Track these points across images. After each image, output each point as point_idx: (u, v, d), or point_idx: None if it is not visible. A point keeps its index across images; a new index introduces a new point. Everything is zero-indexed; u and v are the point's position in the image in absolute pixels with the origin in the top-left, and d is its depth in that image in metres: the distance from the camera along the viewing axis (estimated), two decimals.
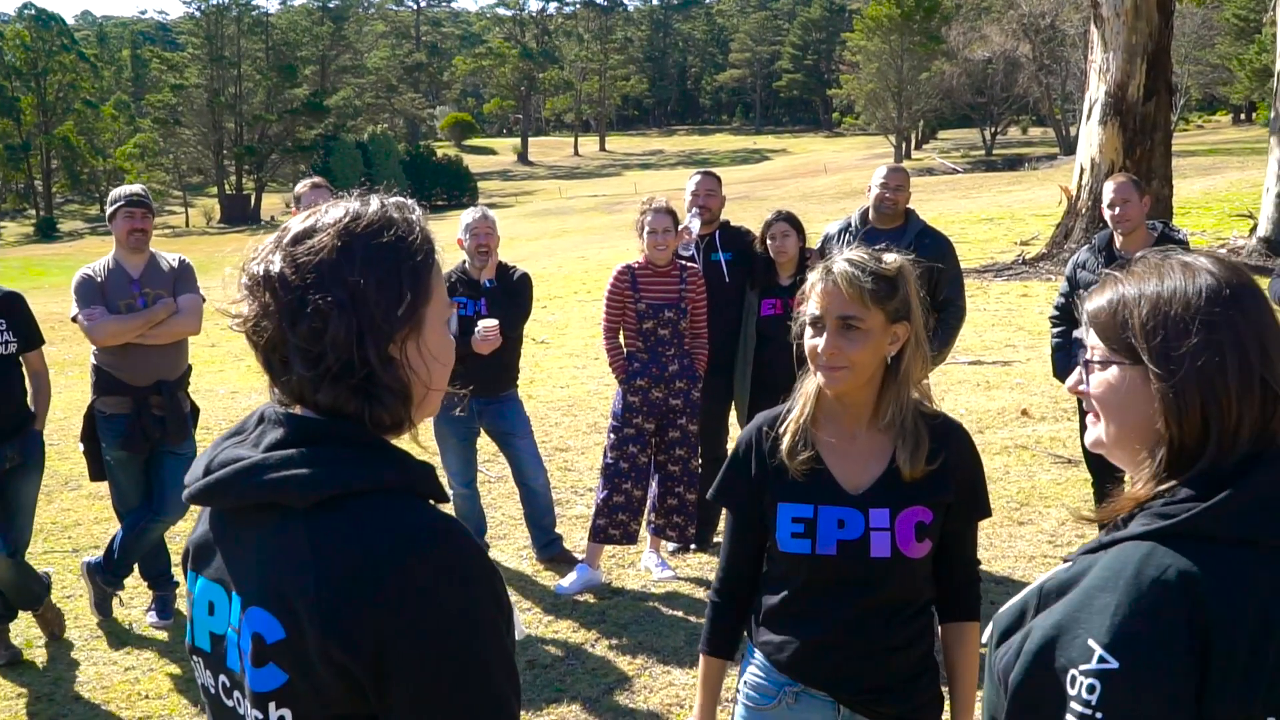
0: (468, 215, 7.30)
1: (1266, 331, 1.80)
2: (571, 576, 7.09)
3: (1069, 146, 60.96)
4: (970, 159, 78.61)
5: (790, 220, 7.22)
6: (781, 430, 2.94)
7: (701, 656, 3.15)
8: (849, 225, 7.22)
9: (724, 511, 3.13)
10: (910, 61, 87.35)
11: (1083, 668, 1.66)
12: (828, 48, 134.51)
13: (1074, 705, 1.66)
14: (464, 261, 7.23)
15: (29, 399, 6.45)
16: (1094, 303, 1.91)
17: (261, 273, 1.73)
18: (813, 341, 2.83)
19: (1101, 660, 1.64)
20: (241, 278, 1.76)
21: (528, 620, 6.63)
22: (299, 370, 1.70)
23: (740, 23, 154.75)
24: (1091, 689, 1.64)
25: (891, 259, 2.86)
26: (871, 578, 2.87)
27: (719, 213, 7.62)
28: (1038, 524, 7.80)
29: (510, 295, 7.17)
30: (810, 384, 2.92)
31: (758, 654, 3.03)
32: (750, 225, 7.79)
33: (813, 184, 60.93)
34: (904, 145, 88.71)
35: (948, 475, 2.90)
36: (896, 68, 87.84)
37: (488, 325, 6.85)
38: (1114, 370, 1.85)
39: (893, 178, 7.12)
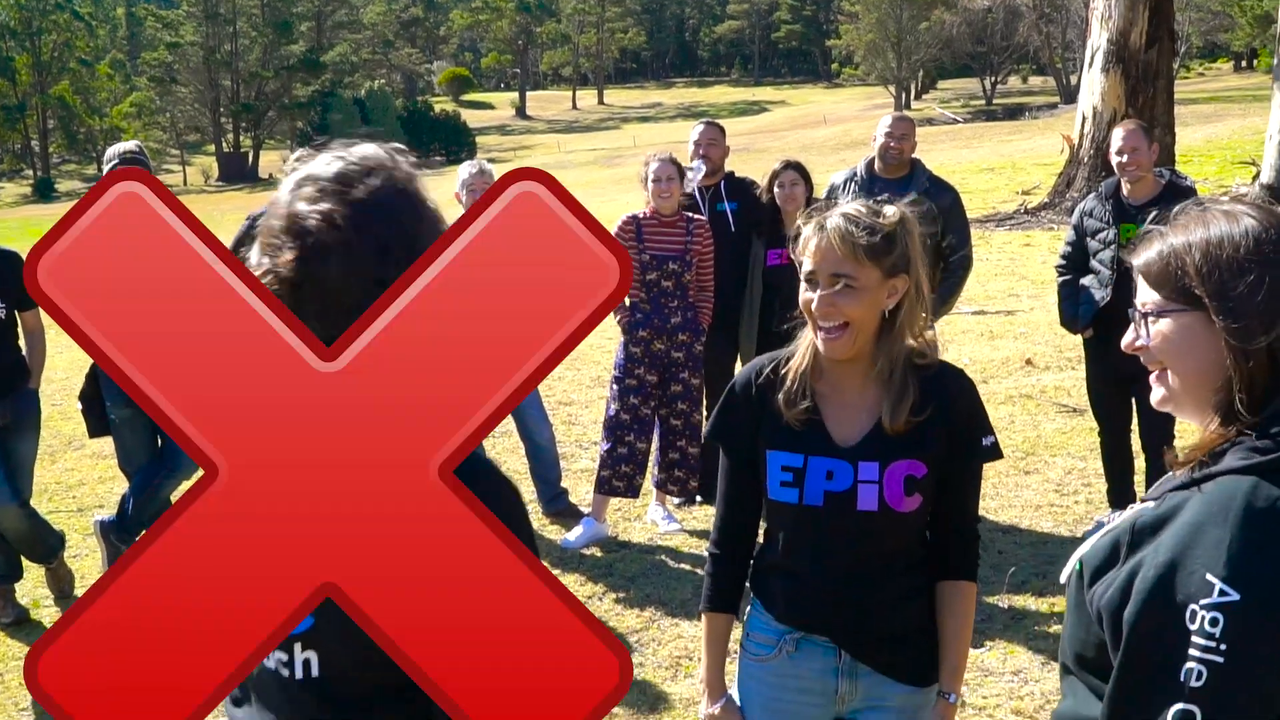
0: (465, 170, 7.24)
1: None
2: (578, 530, 7.09)
3: (1069, 95, 60.68)
4: (970, 109, 78.27)
5: (798, 169, 7.19)
6: (783, 374, 2.88)
7: (704, 616, 3.07)
8: (855, 175, 7.18)
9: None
10: (909, 11, 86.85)
11: (1203, 602, 1.68)
12: None
13: (1196, 639, 1.68)
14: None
15: (24, 357, 6.43)
16: (1142, 257, 1.92)
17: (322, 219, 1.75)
18: (807, 296, 2.78)
19: (1222, 593, 1.67)
20: (303, 218, 1.77)
21: None
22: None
23: None
24: (1214, 622, 1.67)
25: (891, 211, 2.79)
26: (859, 530, 2.83)
27: (722, 163, 7.59)
28: (1044, 473, 7.79)
29: None
30: (810, 332, 2.86)
31: (758, 604, 3.00)
32: (752, 177, 7.76)
33: (813, 135, 60.65)
34: (904, 95, 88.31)
35: (937, 426, 2.82)
36: (896, 17, 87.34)
37: None
38: (1170, 320, 1.86)
39: (898, 126, 7.07)
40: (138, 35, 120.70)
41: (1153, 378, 1.94)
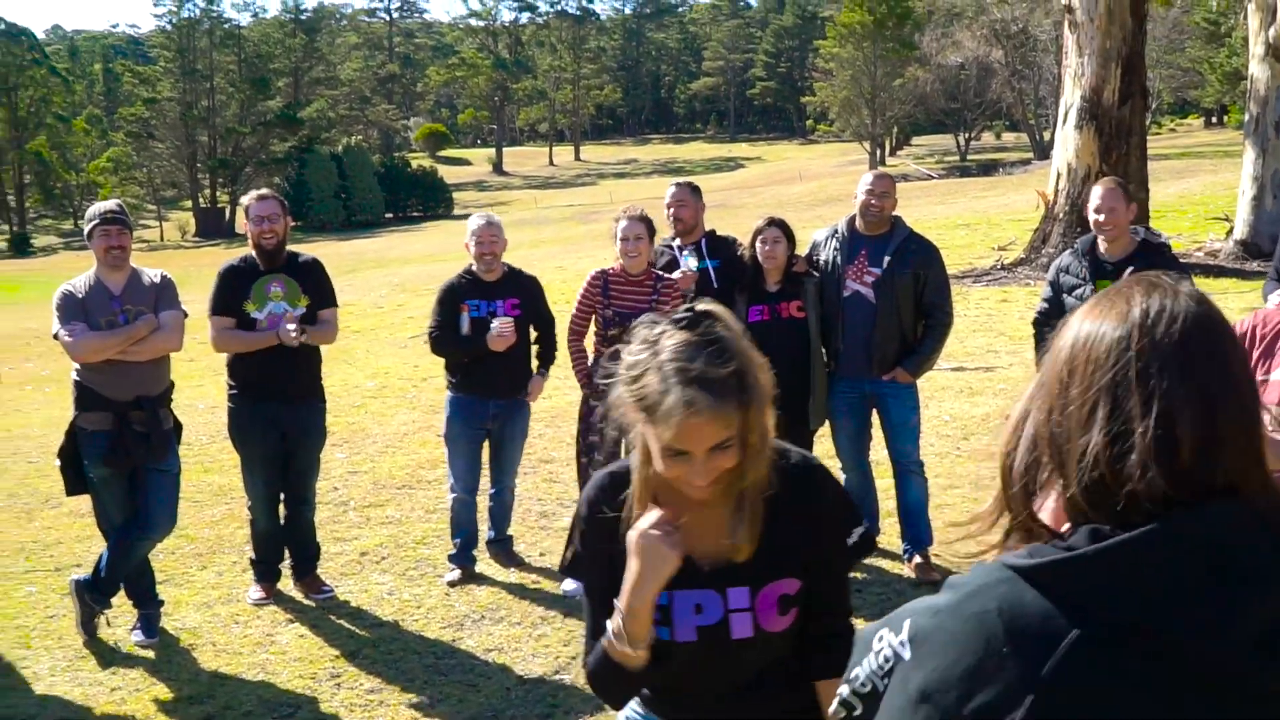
0: (473, 221, 7.45)
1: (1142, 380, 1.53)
2: (569, 583, 7.05)
3: (1043, 151, 61.29)
4: (945, 165, 78.79)
5: (781, 226, 7.21)
6: (625, 501, 2.58)
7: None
8: (836, 232, 7.22)
9: None
10: (883, 68, 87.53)
11: (890, 637, 1.62)
12: (801, 55, 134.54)
13: (872, 658, 1.64)
14: (471, 264, 7.32)
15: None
16: None
17: None
18: (676, 470, 2.42)
19: (903, 644, 1.58)
20: None
21: (516, 635, 6.57)
22: None
23: (713, 31, 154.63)
24: (888, 659, 1.60)
25: (726, 354, 2.38)
26: (734, 658, 2.62)
27: (695, 221, 7.62)
28: None
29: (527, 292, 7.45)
30: (638, 456, 2.52)
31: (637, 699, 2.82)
32: (733, 234, 7.80)
33: (788, 191, 60.98)
34: (878, 152, 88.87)
35: (803, 533, 2.60)
36: (870, 74, 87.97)
37: (503, 322, 7.08)
38: None
39: (879, 184, 7.12)
40: (114, 91, 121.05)
41: None
